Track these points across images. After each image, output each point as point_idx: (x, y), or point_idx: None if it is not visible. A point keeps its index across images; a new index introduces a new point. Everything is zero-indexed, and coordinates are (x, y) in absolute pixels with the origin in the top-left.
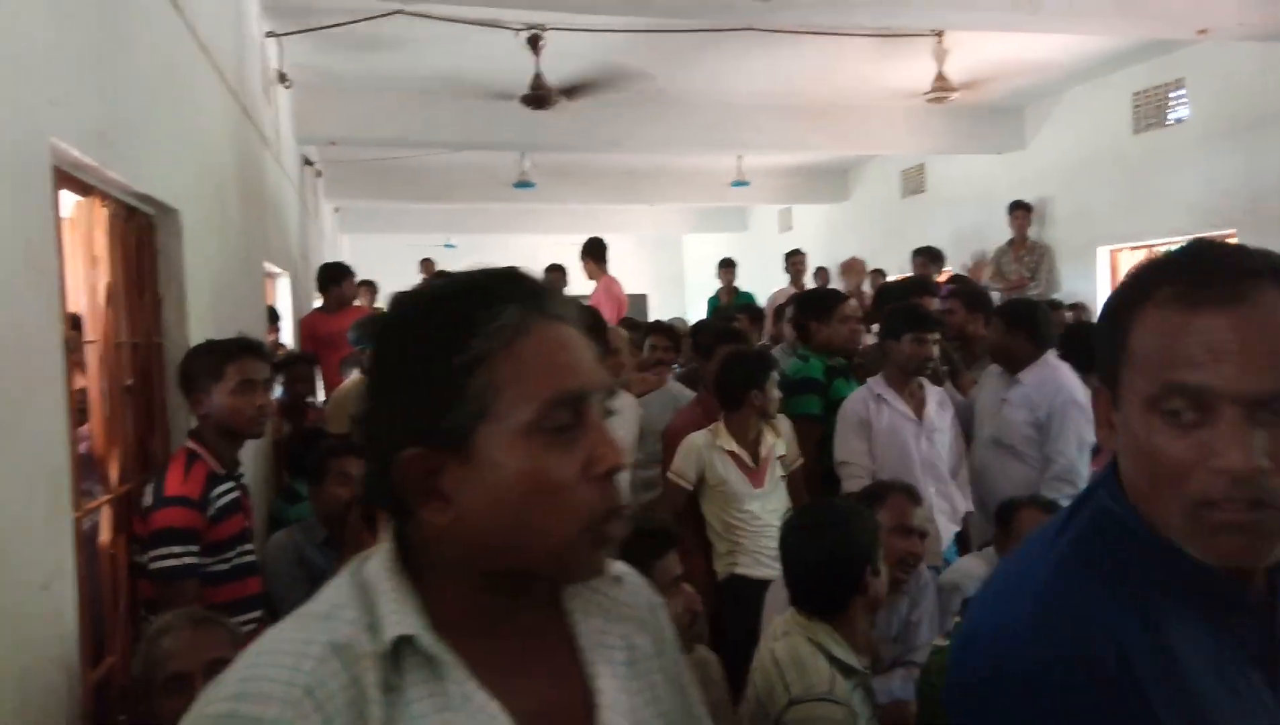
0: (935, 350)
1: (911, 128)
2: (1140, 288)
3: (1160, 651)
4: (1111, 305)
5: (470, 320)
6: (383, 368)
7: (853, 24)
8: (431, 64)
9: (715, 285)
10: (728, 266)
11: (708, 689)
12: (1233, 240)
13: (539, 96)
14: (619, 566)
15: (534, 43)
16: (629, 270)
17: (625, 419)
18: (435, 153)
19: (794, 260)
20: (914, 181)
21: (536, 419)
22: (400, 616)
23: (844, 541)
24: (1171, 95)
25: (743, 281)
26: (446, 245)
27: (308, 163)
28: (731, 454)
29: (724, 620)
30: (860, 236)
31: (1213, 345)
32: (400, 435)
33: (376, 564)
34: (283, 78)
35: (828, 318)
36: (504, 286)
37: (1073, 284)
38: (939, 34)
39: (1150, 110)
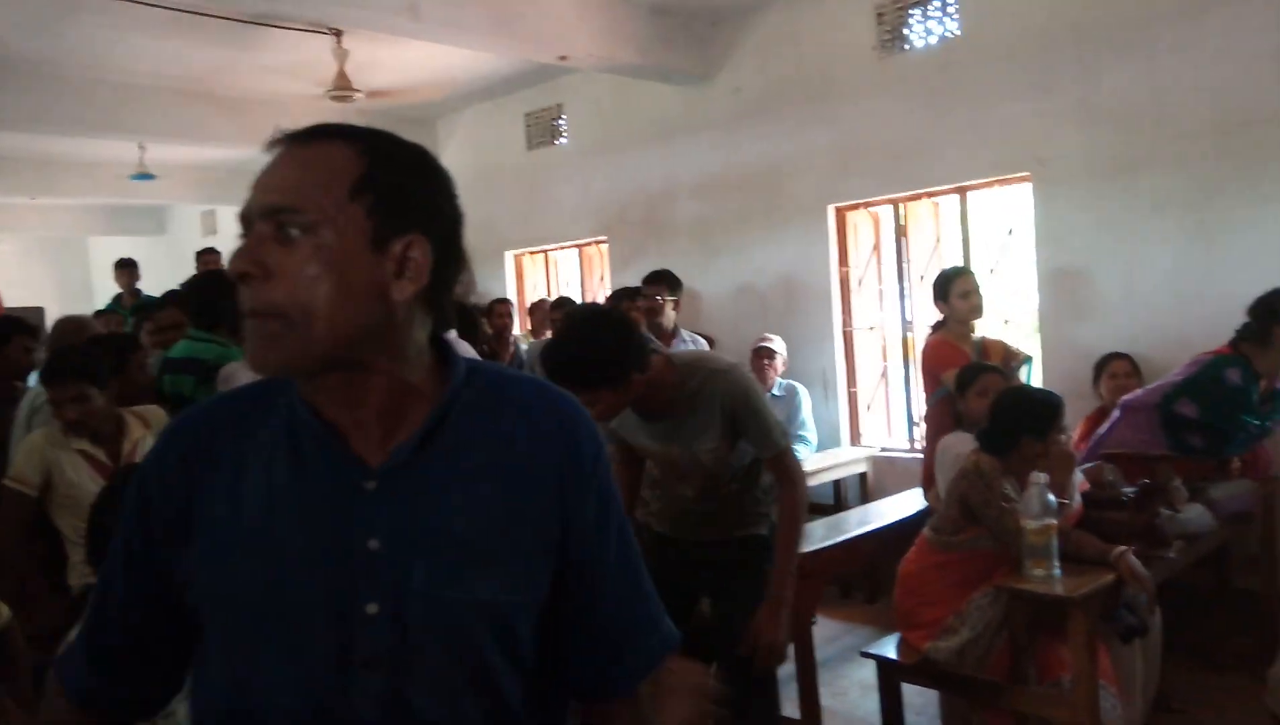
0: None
1: None
2: None
3: (225, 467)
4: None
5: None
6: None
7: (240, 10)
8: None
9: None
10: (125, 267)
11: None
12: (604, 246)
13: None
14: None
15: None
16: (18, 279)
17: None
18: None
19: (206, 258)
20: None
21: None
22: None
23: None
24: (555, 118)
25: (162, 287)
26: None
27: None
28: (83, 453)
29: None
30: None
31: (258, 176)
32: None
33: None
34: None
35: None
36: None
37: (487, 285)
38: (338, 33)
39: (540, 130)
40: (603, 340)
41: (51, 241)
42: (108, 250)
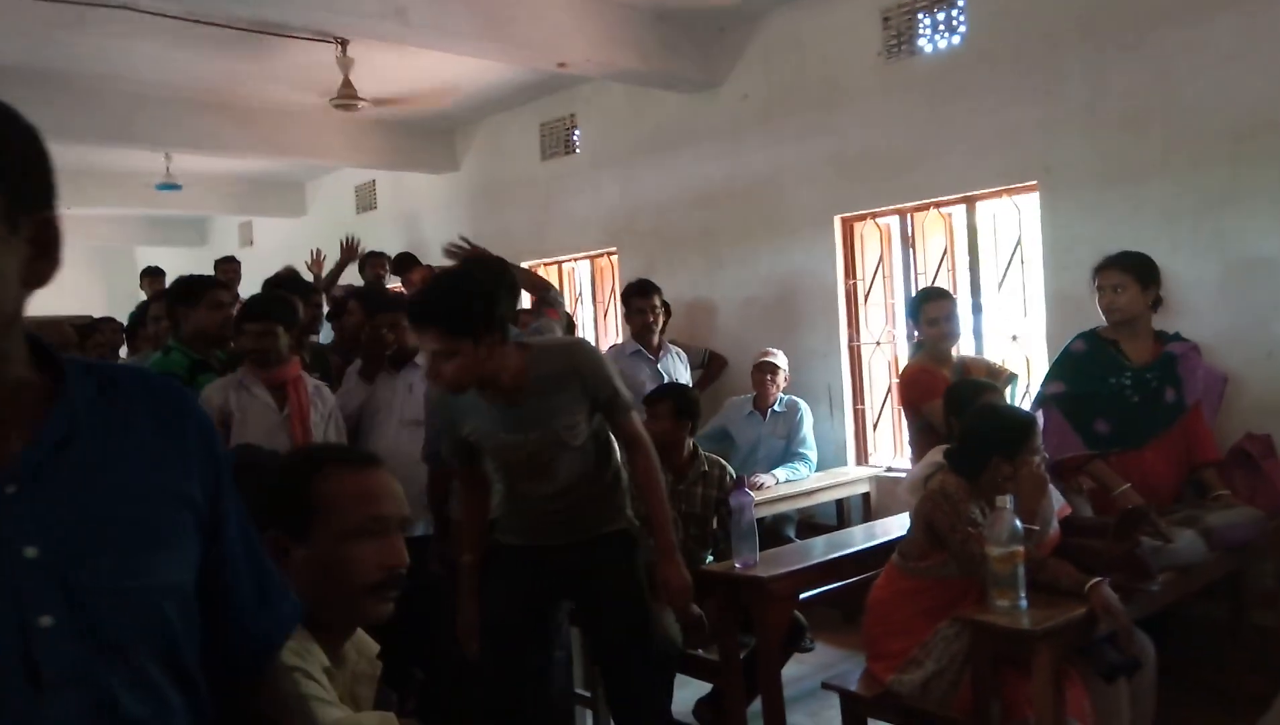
0: (269, 342)
1: (347, 140)
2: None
3: None
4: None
5: None
6: None
7: (233, 17)
8: None
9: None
10: (152, 276)
11: None
12: (615, 256)
13: None
14: None
15: None
16: (70, 288)
17: None
18: None
19: (224, 267)
20: (366, 198)
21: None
22: None
23: None
24: (569, 128)
25: None
26: None
27: None
28: None
29: None
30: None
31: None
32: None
33: None
34: None
35: (196, 303)
36: None
37: None
38: (343, 42)
39: (554, 140)
40: (471, 284)
41: (102, 252)
42: (155, 259)
